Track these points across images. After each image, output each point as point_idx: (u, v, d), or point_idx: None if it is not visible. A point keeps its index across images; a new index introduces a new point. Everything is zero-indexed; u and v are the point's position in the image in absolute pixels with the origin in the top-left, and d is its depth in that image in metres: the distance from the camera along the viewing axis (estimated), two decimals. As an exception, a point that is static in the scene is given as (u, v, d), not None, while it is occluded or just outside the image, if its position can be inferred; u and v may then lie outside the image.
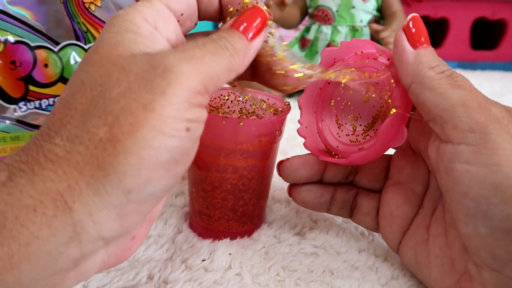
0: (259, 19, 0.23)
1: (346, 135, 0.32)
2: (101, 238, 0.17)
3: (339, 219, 0.38)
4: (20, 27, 0.37)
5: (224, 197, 0.32)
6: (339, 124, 0.33)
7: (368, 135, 0.31)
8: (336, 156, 0.31)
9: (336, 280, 0.30)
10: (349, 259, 0.32)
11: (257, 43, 0.22)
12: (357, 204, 0.33)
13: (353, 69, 0.28)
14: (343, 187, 0.33)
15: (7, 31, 0.36)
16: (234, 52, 0.21)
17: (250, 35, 0.22)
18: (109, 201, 0.17)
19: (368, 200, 0.32)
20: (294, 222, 0.37)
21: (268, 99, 0.35)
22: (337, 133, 0.33)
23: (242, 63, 0.21)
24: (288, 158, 0.32)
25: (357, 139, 0.31)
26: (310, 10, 0.76)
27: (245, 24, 0.22)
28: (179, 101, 0.17)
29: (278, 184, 0.44)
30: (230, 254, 0.32)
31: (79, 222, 0.16)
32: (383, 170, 0.32)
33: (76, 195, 0.16)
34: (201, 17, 0.25)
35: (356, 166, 0.32)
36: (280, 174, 0.33)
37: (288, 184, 0.34)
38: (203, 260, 0.32)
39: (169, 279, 0.30)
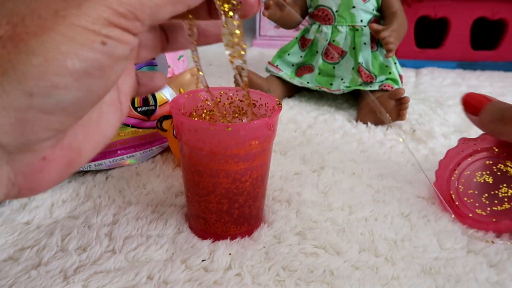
0: None
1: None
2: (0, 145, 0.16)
3: (339, 219, 0.38)
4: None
5: (219, 201, 0.32)
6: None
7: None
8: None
9: (336, 280, 0.30)
10: (349, 259, 0.32)
11: None
12: None
13: None
14: None
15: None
16: None
17: None
18: (8, 101, 0.15)
19: None
20: (294, 222, 0.37)
21: (260, 98, 0.35)
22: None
23: None
24: None
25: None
26: (310, 10, 0.76)
27: None
28: (96, 16, 0.16)
29: (278, 184, 0.44)
30: (230, 254, 0.32)
31: None
32: None
33: None
34: None
35: None
36: None
37: None
38: (203, 260, 0.32)
39: (169, 279, 0.30)
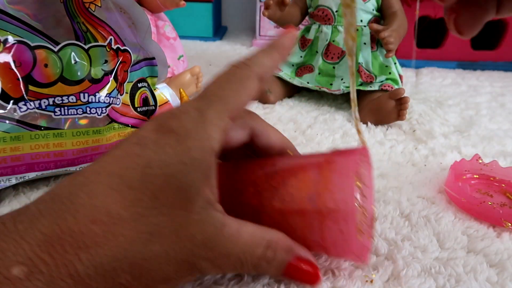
0: None
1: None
2: None
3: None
4: (20, 27, 0.37)
5: None
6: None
7: None
8: None
9: (337, 280, 0.30)
10: (349, 259, 0.32)
11: None
12: None
13: None
14: None
15: (7, 31, 0.36)
16: None
17: None
18: None
19: None
20: (294, 222, 0.37)
21: None
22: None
23: None
24: None
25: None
26: (310, 10, 0.76)
27: None
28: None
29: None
30: (230, 254, 0.32)
31: None
32: None
33: None
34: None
35: None
36: None
37: None
38: (203, 260, 0.31)
39: (169, 279, 0.29)
